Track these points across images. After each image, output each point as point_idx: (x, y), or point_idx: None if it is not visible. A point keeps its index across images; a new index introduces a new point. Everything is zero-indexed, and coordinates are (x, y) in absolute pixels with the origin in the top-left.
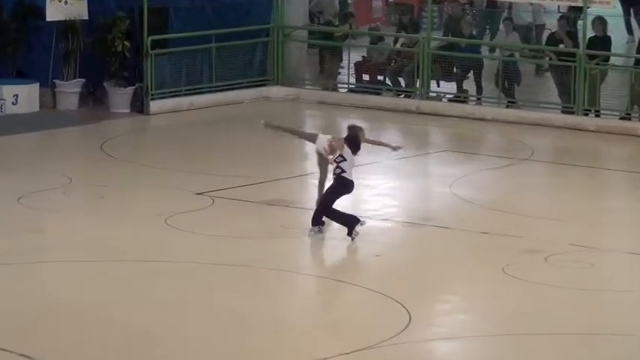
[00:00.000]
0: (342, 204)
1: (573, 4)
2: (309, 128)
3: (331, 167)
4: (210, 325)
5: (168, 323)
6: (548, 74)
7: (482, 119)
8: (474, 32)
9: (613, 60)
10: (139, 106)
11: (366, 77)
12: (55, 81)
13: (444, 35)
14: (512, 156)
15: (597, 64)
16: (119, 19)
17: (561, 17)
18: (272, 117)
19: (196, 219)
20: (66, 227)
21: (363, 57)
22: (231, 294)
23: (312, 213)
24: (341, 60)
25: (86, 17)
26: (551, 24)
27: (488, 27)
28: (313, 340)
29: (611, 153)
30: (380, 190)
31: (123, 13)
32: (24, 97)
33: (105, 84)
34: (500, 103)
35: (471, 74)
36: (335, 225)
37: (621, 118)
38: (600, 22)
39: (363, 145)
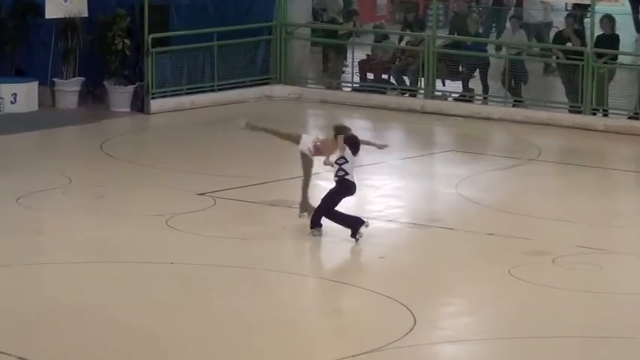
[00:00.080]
0: (345, 205)
1: (581, 2)
2: (312, 128)
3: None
4: (211, 328)
5: (168, 324)
6: (556, 73)
7: (488, 119)
8: (480, 30)
9: (621, 59)
10: (139, 105)
11: (370, 76)
12: (54, 79)
13: (449, 33)
14: (518, 156)
15: (605, 62)
16: (119, 17)
17: (568, 15)
18: (275, 116)
19: (197, 220)
20: (65, 228)
21: (368, 55)
22: (232, 296)
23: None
24: (345, 58)
25: (86, 15)
26: (558, 22)
27: (494, 25)
28: (317, 343)
29: (619, 153)
30: (384, 191)
31: (123, 10)
32: (22, 95)
33: (105, 82)
34: (506, 103)
35: (477, 73)
36: (338, 226)
37: (630, 118)
38: (608, 20)
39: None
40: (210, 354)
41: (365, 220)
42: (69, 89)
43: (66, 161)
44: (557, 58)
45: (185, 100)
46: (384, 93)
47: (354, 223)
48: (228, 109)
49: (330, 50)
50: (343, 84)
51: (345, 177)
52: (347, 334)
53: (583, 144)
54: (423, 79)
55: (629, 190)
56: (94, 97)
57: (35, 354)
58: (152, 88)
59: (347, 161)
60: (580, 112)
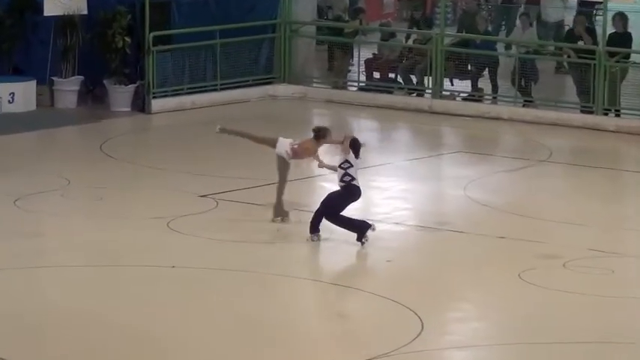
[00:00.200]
0: (350, 208)
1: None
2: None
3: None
4: (212, 332)
5: (169, 328)
6: (567, 71)
7: (497, 119)
8: (490, 28)
9: (634, 57)
10: (140, 104)
11: (376, 75)
12: (52, 78)
13: (458, 31)
14: (528, 157)
15: (617, 61)
16: (120, 14)
17: (579, 13)
18: (278, 116)
19: (199, 222)
20: (64, 230)
21: (374, 54)
22: (235, 300)
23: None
24: (351, 57)
25: (85, 12)
26: (568, 20)
27: (504, 23)
28: (321, 348)
29: (631, 154)
30: (391, 193)
31: (124, 7)
32: (20, 95)
33: (105, 82)
34: (516, 102)
35: (486, 72)
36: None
37: None
38: (621, 17)
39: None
40: (211, 358)
41: (371, 223)
42: (68, 88)
43: (65, 162)
44: (569, 56)
45: (187, 100)
46: (390, 92)
47: (360, 227)
48: (230, 109)
49: (336, 49)
50: (349, 83)
51: (352, 182)
52: (353, 340)
53: (594, 145)
54: (430, 78)
55: None
56: (93, 96)
57: (35, 357)
58: (153, 87)
59: (352, 165)
60: (591, 113)
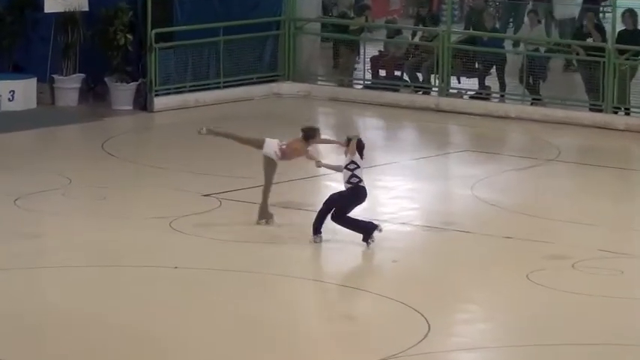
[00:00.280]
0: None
1: None
2: (321, 126)
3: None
4: (215, 333)
5: (171, 330)
6: (576, 69)
7: (505, 117)
8: (497, 25)
9: None
10: (142, 102)
11: (382, 73)
12: (53, 76)
13: (465, 28)
14: (537, 156)
15: (627, 59)
16: (121, 11)
17: (589, 10)
18: (283, 114)
19: (202, 222)
20: (65, 230)
21: (380, 51)
22: (239, 301)
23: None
24: (358, 54)
25: (86, 9)
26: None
27: (511, 20)
28: (327, 350)
29: None
30: (398, 193)
31: (125, 4)
32: (20, 93)
33: (106, 79)
34: (524, 101)
35: (493, 70)
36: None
37: None
38: (630, 14)
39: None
40: (212, 358)
41: (378, 224)
42: (69, 86)
43: (66, 161)
44: (577, 54)
45: (189, 98)
46: (396, 90)
47: (366, 228)
48: (234, 107)
49: (341, 46)
50: (354, 81)
51: (360, 184)
52: (358, 341)
53: (604, 144)
54: (437, 76)
55: None
56: (94, 94)
57: (35, 358)
58: (155, 85)
59: (358, 166)
60: (601, 111)
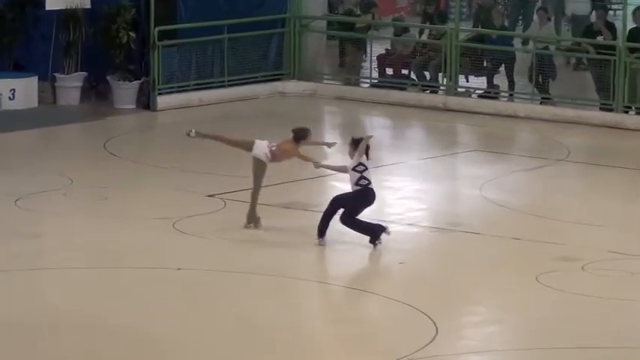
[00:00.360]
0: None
1: None
2: (328, 126)
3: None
4: (218, 336)
5: (172, 332)
6: (586, 68)
7: (514, 117)
8: (506, 23)
9: None
10: (144, 101)
11: (389, 71)
12: (55, 74)
13: (473, 26)
14: (546, 156)
15: (638, 57)
16: (124, 8)
17: (599, 7)
18: (287, 113)
19: (206, 223)
20: (66, 231)
21: (387, 49)
22: (244, 303)
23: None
24: (364, 53)
25: (89, 6)
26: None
27: (521, 17)
28: (334, 352)
29: None
30: (405, 193)
31: (128, 1)
32: (21, 91)
33: (108, 78)
34: (533, 100)
35: (502, 68)
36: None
37: None
38: None
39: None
40: None
41: (386, 226)
42: (70, 85)
43: (67, 161)
44: (588, 52)
45: (193, 97)
46: (404, 89)
47: (374, 230)
48: (238, 106)
49: (347, 44)
50: (361, 80)
51: (369, 186)
52: (365, 344)
53: (614, 143)
54: (445, 74)
55: None
56: (97, 93)
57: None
58: (158, 83)
59: (366, 168)
60: (611, 110)
